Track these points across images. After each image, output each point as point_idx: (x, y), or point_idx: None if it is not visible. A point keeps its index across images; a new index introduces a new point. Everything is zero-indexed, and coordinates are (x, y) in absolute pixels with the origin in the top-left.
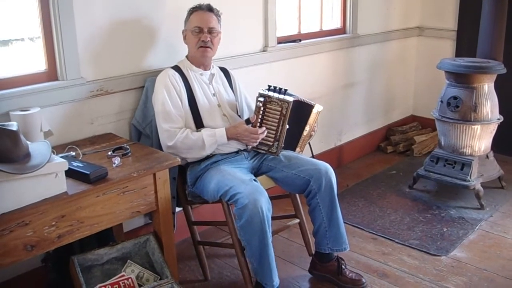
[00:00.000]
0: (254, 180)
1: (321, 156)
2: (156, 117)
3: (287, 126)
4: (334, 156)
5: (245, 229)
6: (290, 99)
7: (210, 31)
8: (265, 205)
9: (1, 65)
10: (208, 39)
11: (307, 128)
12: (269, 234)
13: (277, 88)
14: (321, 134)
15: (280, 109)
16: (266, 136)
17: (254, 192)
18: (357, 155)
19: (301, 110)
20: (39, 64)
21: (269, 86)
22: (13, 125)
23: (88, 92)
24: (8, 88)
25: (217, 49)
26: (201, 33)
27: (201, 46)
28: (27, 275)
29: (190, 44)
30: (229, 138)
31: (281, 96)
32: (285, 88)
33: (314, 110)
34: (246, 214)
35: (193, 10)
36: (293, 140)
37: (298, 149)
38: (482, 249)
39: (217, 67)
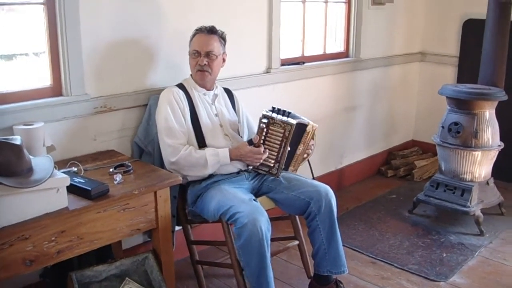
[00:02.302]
0: (254, 200)
1: (322, 178)
2: (158, 133)
3: (289, 148)
4: (335, 178)
5: (244, 248)
6: (293, 121)
7: (208, 54)
8: (265, 225)
9: (6, 79)
10: (205, 62)
11: (300, 147)
12: (268, 254)
13: (281, 110)
14: (322, 156)
15: (282, 131)
16: (267, 157)
17: (254, 212)
18: (357, 178)
19: (300, 130)
20: (44, 79)
21: (273, 108)
22: (17, 139)
23: (92, 108)
24: (13, 102)
25: (218, 71)
26: (198, 56)
27: (199, 70)
28: None
29: (191, 67)
30: (232, 159)
31: (285, 119)
32: (289, 111)
33: (308, 129)
34: (245, 233)
35: (196, 32)
36: (286, 159)
37: (291, 167)
38: (481, 275)
39: (221, 87)
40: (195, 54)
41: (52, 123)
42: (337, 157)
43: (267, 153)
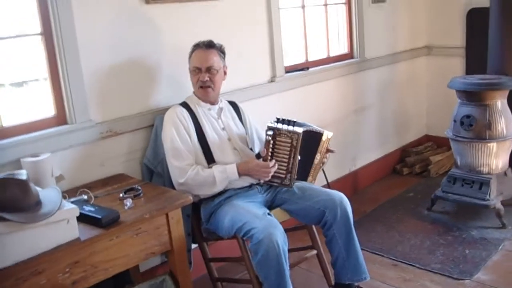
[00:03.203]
0: (268, 214)
1: (336, 183)
2: (166, 155)
3: (299, 157)
4: (350, 182)
5: (261, 264)
6: (300, 130)
7: (209, 70)
8: (281, 239)
9: (10, 112)
10: (207, 78)
11: (317, 156)
12: (287, 268)
13: (286, 120)
14: (335, 161)
15: (290, 141)
16: (278, 168)
17: (269, 226)
18: (373, 179)
19: (311, 139)
20: (48, 109)
21: (278, 119)
22: (22, 174)
23: (97, 134)
24: (18, 135)
25: (220, 85)
26: (199, 73)
27: (201, 87)
28: None
29: (192, 83)
30: (240, 174)
31: (291, 128)
32: (294, 120)
33: (324, 138)
34: (262, 249)
35: (194, 49)
36: (304, 169)
37: (310, 178)
38: (507, 270)
39: (226, 101)
40: (195, 71)
41: (59, 152)
42: (350, 160)
43: (276, 166)
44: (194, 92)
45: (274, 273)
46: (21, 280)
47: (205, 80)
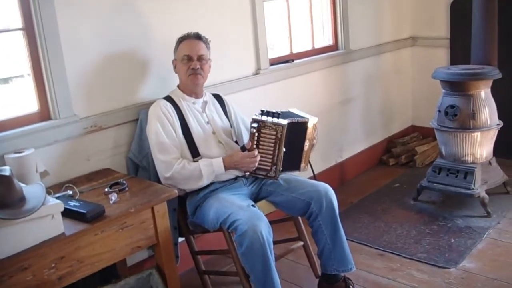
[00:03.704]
0: (253, 205)
1: (323, 174)
2: (151, 149)
3: (284, 149)
4: (336, 173)
5: (246, 256)
6: (284, 122)
7: (200, 58)
8: (265, 230)
9: None
10: (198, 66)
11: (306, 143)
12: (272, 259)
13: (271, 112)
14: (322, 152)
15: (275, 133)
16: (263, 161)
17: (253, 217)
18: (359, 170)
19: (297, 128)
20: (31, 105)
21: (262, 111)
22: (6, 170)
23: (82, 129)
24: (1, 131)
25: (207, 76)
26: (190, 61)
27: (192, 74)
28: None
29: (181, 73)
30: (226, 168)
31: (275, 120)
32: (279, 112)
33: (309, 125)
34: (246, 240)
35: (182, 39)
36: (296, 158)
37: (303, 164)
38: (492, 258)
39: (210, 94)
40: (185, 59)
41: (44, 148)
42: (337, 151)
43: (258, 155)
44: (178, 86)
45: (260, 264)
46: (6, 277)
47: (197, 67)
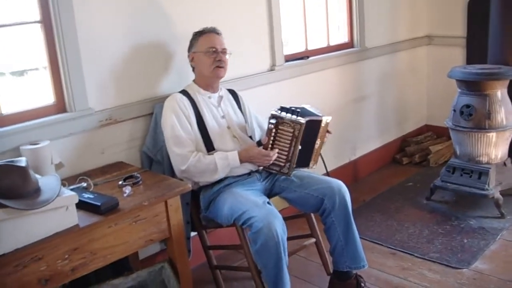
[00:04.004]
0: (268, 202)
1: (336, 172)
2: (166, 143)
3: (300, 147)
4: (349, 171)
5: (260, 253)
6: (303, 120)
7: (224, 51)
8: (280, 228)
9: (9, 99)
10: (223, 59)
11: (317, 141)
12: (285, 257)
13: (290, 109)
14: (335, 150)
15: (292, 130)
16: (278, 157)
17: (269, 215)
18: (372, 168)
19: (312, 126)
20: (47, 97)
21: (282, 107)
22: (22, 161)
23: (97, 122)
24: (18, 123)
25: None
26: (215, 54)
27: (218, 66)
28: None
29: (204, 66)
30: (241, 161)
31: (294, 118)
32: (299, 109)
33: (323, 124)
34: (261, 238)
35: (201, 33)
36: (306, 155)
37: (312, 162)
38: (505, 259)
39: (225, 89)
40: (211, 52)
41: (59, 140)
42: (350, 149)
43: (276, 154)
44: (193, 80)
45: (273, 262)
46: (20, 266)
47: (224, 59)
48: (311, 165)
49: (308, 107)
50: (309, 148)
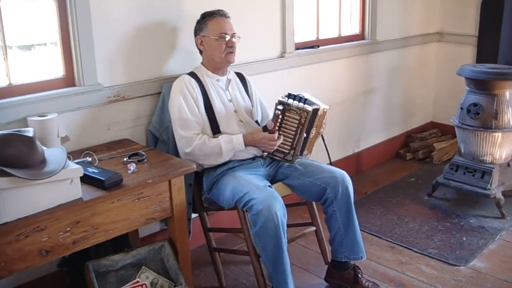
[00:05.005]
0: (269, 186)
1: (339, 163)
2: (172, 124)
3: (305, 135)
4: (352, 163)
5: (260, 235)
6: (310, 108)
7: (234, 36)
8: (280, 211)
9: (19, 70)
10: (234, 44)
11: (313, 131)
12: (284, 240)
13: (297, 96)
14: (339, 141)
15: (298, 117)
16: (282, 143)
17: (269, 198)
18: (375, 162)
19: (314, 115)
20: (57, 70)
21: (289, 94)
22: (29, 131)
23: (105, 98)
24: (26, 94)
25: None
26: (226, 38)
27: (229, 52)
28: (45, 278)
29: (215, 51)
30: (246, 145)
31: (301, 105)
32: (305, 97)
33: (319, 112)
34: (260, 220)
35: (210, 16)
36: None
37: (306, 151)
38: (503, 259)
39: (233, 72)
40: (222, 37)
41: (66, 113)
42: (354, 141)
43: (281, 140)
44: (202, 63)
45: (272, 244)
46: (23, 236)
47: (234, 45)
48: (304, 153)
49: (307, 95)
50: (305, 137)
